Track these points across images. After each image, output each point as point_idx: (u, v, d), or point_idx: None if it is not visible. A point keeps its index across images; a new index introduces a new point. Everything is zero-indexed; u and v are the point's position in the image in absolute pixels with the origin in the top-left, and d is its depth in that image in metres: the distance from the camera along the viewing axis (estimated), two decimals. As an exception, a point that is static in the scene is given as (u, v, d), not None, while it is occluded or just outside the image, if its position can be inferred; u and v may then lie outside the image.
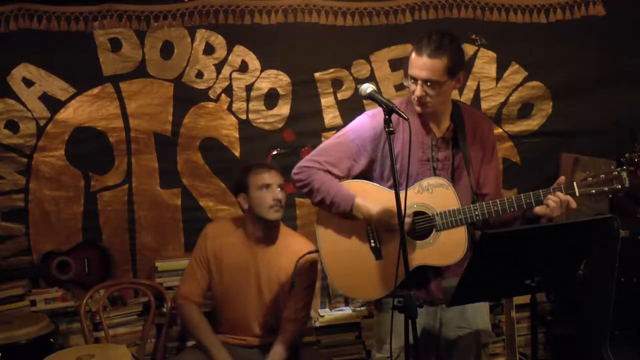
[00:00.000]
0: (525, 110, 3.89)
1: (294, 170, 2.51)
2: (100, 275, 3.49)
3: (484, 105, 3.83)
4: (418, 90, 2.32)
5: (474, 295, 2.39)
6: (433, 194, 2.38)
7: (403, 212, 2.08)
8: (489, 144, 2.51)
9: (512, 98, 3.85)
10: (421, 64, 2.29)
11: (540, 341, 3.64)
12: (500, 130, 3.87)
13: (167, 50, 3.57)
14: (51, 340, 3.10)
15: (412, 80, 2.34)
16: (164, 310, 3.36)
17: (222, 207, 3.62)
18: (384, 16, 3.70)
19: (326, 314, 3.60)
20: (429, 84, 2.30)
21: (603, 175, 2.25)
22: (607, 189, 2.25)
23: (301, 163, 2.51)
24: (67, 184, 3.54)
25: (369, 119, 2.46)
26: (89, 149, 3.55)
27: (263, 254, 2.99)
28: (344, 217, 2.43)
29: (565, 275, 2.37)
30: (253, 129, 3.67)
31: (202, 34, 3.58)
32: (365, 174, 2.50)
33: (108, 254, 3.54)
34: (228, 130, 3.65)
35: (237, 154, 3.66)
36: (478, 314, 2.52)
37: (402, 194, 2.20)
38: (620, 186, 2.24)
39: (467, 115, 2.48)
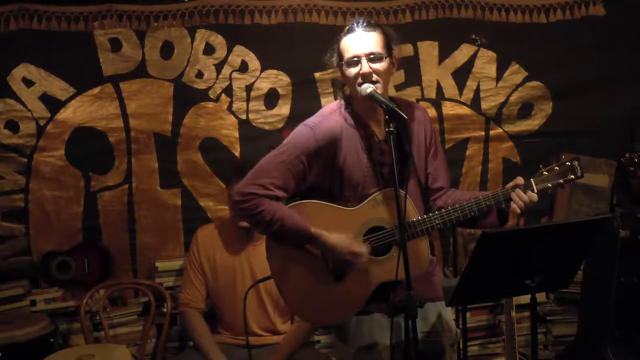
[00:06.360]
0: (525, 110, 3.88)
1: (237, 198, 2.18)
2: (100, 275, 3.49)
3: (484, 105, 3.83)
4: (364, 66, 2.16)
5: (473, 295, 2.40)
6: (389, 207, 2.20)
7: (403, 213, 2.03)
8: (430, 135, 2.37)
9: (512, 98, 3.85)
10: (358, 39, 2.19)
11: (540, 341, 3.64)
12: (500, 130, 3.87)
13: (167, 50, 3.56)
14: (51, 340, 3.11)
15: (353, 63, 2.18)
16: (164, 310, 3.36)
17: (222, 207, 3.61)
18: (384, 16, 3.70)
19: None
20: (372, 56, 2.18)
21: (557, 168, 2.24)
22: (562, 181, 2.23)
23: (243, 189, 2.18)
24: (67, 184, 3.54)
25: (312, 131, 2.23)
26: (89, 149, 3.55)
27: (255, 253, 3.00)
28: (295, 248, 2.22)
29: (565, 275, 2.37)
30: (253, 129, 3.66)
31: (202, 34, 3.58)
32: (312, 191, 2.26)
33: (108, 254, 3.54)
34: (228, 130, 3.65)
35: (237, 154, 3.65)
36: (441, 315, 2.38)
37: (362, 208, 2.18)
38: (573, 176, 2.23)
39: (404, 109, 2.17)
